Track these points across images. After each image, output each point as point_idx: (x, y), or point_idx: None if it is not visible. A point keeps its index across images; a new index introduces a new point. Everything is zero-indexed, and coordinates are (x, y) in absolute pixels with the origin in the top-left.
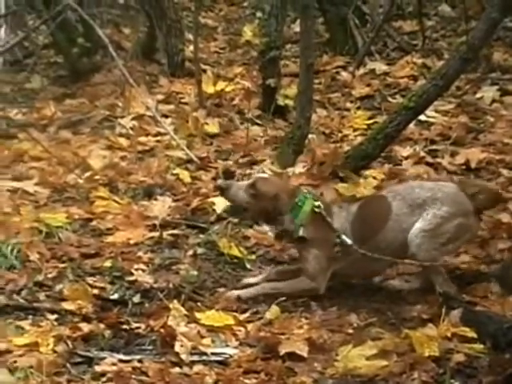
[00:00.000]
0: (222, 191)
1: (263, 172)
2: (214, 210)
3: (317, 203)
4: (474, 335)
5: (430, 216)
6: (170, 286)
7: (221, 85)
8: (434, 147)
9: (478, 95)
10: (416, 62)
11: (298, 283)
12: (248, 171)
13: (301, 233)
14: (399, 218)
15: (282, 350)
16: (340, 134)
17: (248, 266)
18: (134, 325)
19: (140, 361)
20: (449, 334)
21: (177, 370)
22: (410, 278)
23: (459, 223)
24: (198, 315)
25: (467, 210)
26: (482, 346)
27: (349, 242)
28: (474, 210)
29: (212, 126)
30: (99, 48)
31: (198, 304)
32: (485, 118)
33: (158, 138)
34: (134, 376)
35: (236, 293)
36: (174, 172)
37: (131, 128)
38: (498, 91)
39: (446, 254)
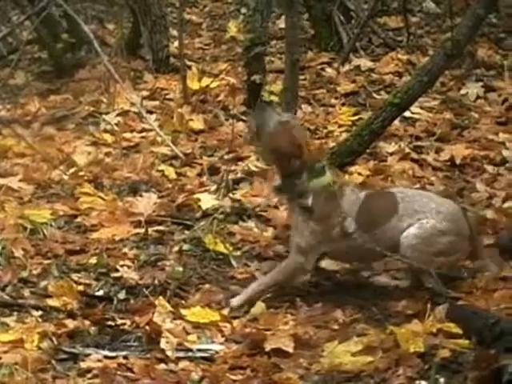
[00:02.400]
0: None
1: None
2: (199, 206)
3: (334, 179)
4: (460, 331)
5: (428, 225)
6: (156, 282)
7: (206, 81)
8: (418, 143)
9: (463, 91)
10: (401, 58)
11: (284, 267)
12: (233, 167)
13: (309, 202)
14: (401, 220)
15: (268, 346)
16: (325, 131)
17: (233, 262)
18: (120, 321)
19: (125, 357)
20: (434, 330)
21: (162, 366)
22: (399, 277)
23: (453, 241)
24: (183, 311)
25: (464, 234)
26: (467, 341)
27: (352, 227)
28: (469, 236)
29: (197, 122)
30: (84, 44)
31: (184, 300)
32: (469, 114)
33: (143, 134)
34: (119, 372)
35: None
36: (160, 168)
37: (116, 124)
38: (483, 88)
39: (435, 266)
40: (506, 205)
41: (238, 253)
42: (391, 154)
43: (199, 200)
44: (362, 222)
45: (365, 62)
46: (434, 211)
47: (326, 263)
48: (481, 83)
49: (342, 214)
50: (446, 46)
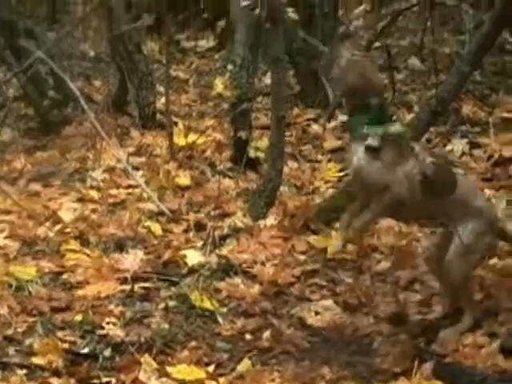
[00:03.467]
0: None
1: None
2: (185, 262)
3: (405, 129)
4: None
5: (470, 229)
6: (142, 339)
7: (192, 137)
8: None
9: (448, 148)
10: None
11: (378, 203)
12: (220, 223)
13: (376, 143)
14: (453, 201)
15: None
16: (311, 187)
17: (220, 319)
18: (105, 379)
19: None
20: None
21: None
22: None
23: (489, 242)
24: (169, 369)
25: (496, 231)
26: None
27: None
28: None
29: (183, 179)
30: (70, 100)
31: (169, 358)
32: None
33: (130, 190)
34: None
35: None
36: (146, 224)
37: (102, 180)
38: (468, 144)
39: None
40: (492, 262)
41: (225, 309)
42: None
43: (185, 256)
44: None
45: None
46: (478, 209)
47: (313, 319)
48: (466, 140)
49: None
50: (431, 102)
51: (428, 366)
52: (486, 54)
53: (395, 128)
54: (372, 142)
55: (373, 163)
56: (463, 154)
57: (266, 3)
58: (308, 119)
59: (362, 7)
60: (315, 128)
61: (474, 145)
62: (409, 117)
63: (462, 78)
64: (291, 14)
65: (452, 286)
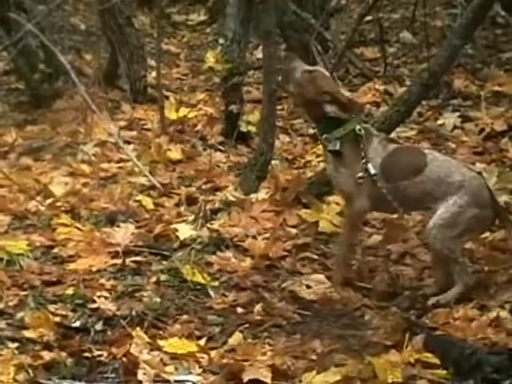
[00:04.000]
0: (286, 59)
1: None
2: (176, 236)
3: (359, 126)
4: (437, 361)
5: (450, 203)
6: (133, 313)
7: (183, 111)
8: None
9: (440, 122)
10: (378, 88)
11: (348, 219)
12: (211, 197)
13: (337, 146)
14: (425, 181)
15: (246, 377)
16: (303, 160)
17: (211, 292)
18: (97, 352)
19: None
20: (412, 360)
21: None
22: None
23: (477, 214)
24: (160, 342)
25: (485, 203)
26: (444, 371)
27: (372, 171)
28: (492, 203)
29: (175, 153)
30: (61, 74)
31: (161, 331)
32: (446, 144)
33: (121, 164)
34: None
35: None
36: (137, 198)
37: (93, 154)
38: (459, 118)
39: (462, 245)
40: (484, 235)
41: (216, 283)
42: None
43: (177, 230)
44: (386, 172)
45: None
46: (456, 184)
47: (304, 292)
48: (457, 113)
49: (365, 159)
50: (423, 76)
51: (419, 339)
52: (478, 28)
53: (350, 126)
54: (332, 146)
55: (339, 170)
56: (455, 127)
57: None
58: None
59: None
60: None
61: (465, 118)
62: (400, 90)
63: (454, 51)
64: None
65: (438, 257)
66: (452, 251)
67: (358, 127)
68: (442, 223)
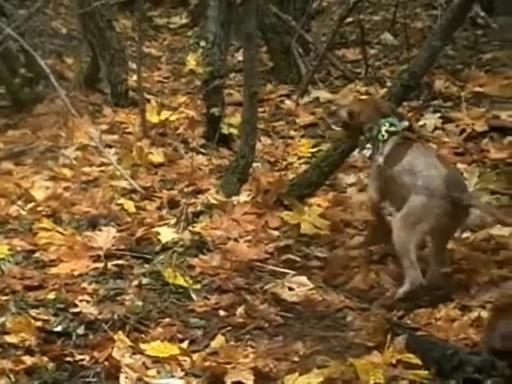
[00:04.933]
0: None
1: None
2: (158, 239)
3: (383, 131)
4: (419, 362)
5: (409, 201)
6: (115, 317)
7: (165, 114)
8: None
9: (421, 122)
10: (359, 89)
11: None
12: (193, 200)
13: (380, 160)
14: (401, 173)
15: (228, 380)
16: (285, 162)
17: (193, 295)
18: (78, 357)
19: None
20: (394, 361)
21: None
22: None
23: (421, 202)
24: (142, 346)
25: (435, 192)
26: (426, 372)
27: (380, 160)
28: (449, 197)
29: (156, 156)
30: (41, 78)
31: (143, 335)
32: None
33: (102, 168)
34: None
35: None
36: (119, 202)
37: (75, 158)
38: (440, 119)
39: (415, 236)
40: (465, 235)
41: (198, 286)
42: (350, 185)
43: (159, 233)
44: (387, 162)
45: (323, 94)
46: (419, 174)
47: (286, 294)
48: (438, 114)
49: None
50: (403, 77)
51: (401, 340)
52: (458, 29)
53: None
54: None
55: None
56: (436, 128)
57: None
58: (281, 95)
59: None
60: (288, 104)
61: (446, 119)
62: (382, 92)
63: (434, 52)
64: None
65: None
66: (403, 244)
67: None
68: (399, 216)
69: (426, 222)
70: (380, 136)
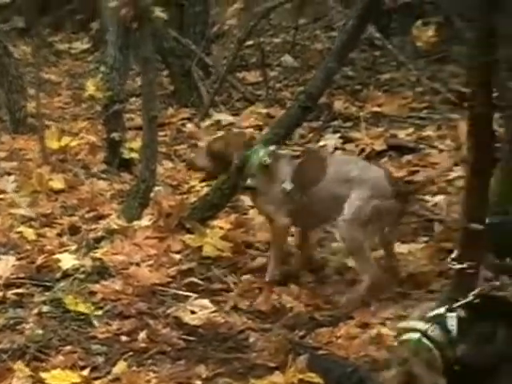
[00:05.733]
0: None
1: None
2: (59, 266)
3: (264, 156)
4: (321, 381)
5: (353, 198)
6: (15, 346)
7: (65, 140)
8: None
9: (321, 143)
10: (260, 111)
11: (272, 238)
12: (94, 226)
13: (248, 182)
14: (328, 185)
15: None
16: (187, 186)
17: (95, 321)
18: None
19: None
20: (295, 381)
21: None
22: None
23: (376, 206)
24: (43, 375)
25: (386, 194)
26: None
27: (288, 187)
28: (395, 194)
29: (57, 182)
30: None
31: (44, 363)
32: None
33: (1, 196)
34: None
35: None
36: (18, 230)
37: None
38: (340, 139)
39: (368, 236)
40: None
41: (100, 312)
42: (252, 206)
43: (59, 260)
44: (297, 184)
45: (225, 117)
46: (357, 178)
47: (188, 318)
48: (338, 134)
49: (281, 178)
50: (300, 98)
51: (302, 359)
52: (357, 50)
53: (252, 162)
54: (247, 184)
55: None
56: (336, 148)
57: (132, 3)
58: (182, 119)
59: (235, 6)
60: (190, 127)
61: (346, 139)
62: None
63: (330, 73)
64: (159, 13)
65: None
66: (358, 243)
67: (262, 157)
68: (347, 218)
69: (377, 220)
70: (262, 162)
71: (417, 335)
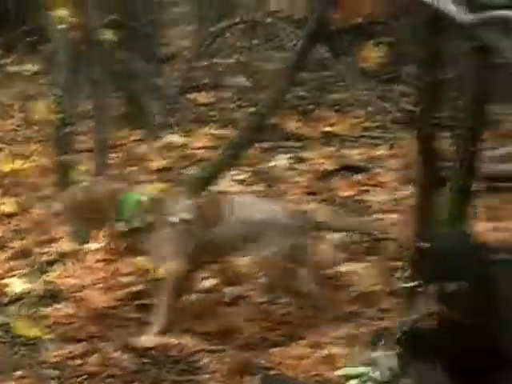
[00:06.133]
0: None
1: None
2: (8, 291)
3: (140, 196)
4: None
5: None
6: None
7: (18, 163)
8: None
9: (272, 163)
10: (213, 132)
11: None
12: (46, 249)
13: (135, 223)
14: (229, 227)
15: None
16: None
17: (46, 345)
18: None
19: None
20: None
21: None
22: None
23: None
24: None
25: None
26: None
27: (187, 216)
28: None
29: (9, 206)
30: None
31: None
32: (279, 185)
33: None
34: None
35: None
36: None
37: None
38: (292, 159)
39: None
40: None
41: (52, 336)
42: None
43: (8, 285)
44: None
45: (177, 138)
46: (262, 223)
47: (143, 339)
48: (290, 154)
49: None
50: (251, 119)
51: (255, 380)
52: (308, 70)
53: (130, 203)
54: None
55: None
56: (288, 168)
57: (81, 25)
58: (134, 140)
59: (189, 27)
60: (141, 149)
61: (298, 159)
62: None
63: (280, 93)
64: (108, 35)
65: None
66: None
67: (139, 198)
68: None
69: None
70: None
71: (363, 378)
